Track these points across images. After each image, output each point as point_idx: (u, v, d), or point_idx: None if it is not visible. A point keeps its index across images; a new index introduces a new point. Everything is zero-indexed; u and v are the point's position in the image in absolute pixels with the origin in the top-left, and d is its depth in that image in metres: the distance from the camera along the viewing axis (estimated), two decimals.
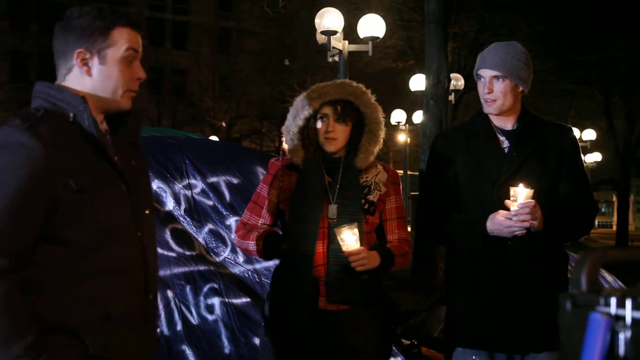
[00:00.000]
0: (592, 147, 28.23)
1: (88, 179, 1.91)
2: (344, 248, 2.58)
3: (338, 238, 2.59)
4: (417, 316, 6.66)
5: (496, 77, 2.77)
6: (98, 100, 2.00)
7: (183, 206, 4.76)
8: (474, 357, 2.77)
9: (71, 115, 1.92)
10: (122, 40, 2.01)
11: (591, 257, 0.96)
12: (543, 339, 2.70)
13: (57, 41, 2.02)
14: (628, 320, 0.87)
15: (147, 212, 2.16)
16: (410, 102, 21.14)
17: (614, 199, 27.65)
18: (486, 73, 2.79)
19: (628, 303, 0.87)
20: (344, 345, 2.70)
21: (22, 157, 1.80)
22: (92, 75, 1.99)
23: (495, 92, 2.77)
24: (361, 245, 2.62)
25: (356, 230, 2.58)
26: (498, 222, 2.65)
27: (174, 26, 46.91)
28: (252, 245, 2.82)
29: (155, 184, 4.76)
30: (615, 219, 27.08)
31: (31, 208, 1.82)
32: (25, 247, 1.82)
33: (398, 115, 22.75)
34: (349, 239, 2.57)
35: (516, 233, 2.63)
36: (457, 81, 16.69)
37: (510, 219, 2.60)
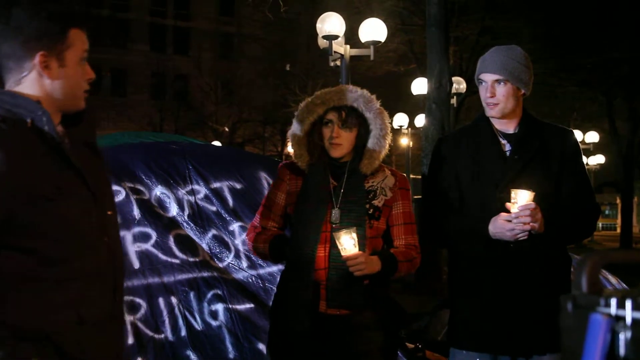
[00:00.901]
0: (595, 149, 28.07)
1: (50, 188, 1.88)
2: (342, 252, 2.59)
3: (337, 242, 2.60)
4: (421, 319, 6.66)
5: (498, 80, 2.78)
6: (56, 103, 1.98)
7: (187, 212, 4.77)
8: None
9: (29, 121, 1.87)
10: (78, 42, 2.02)
11: (591, 259, 0.98)
12: (546, 340, 2.70)
13: (4, 45, 1.94)
14: (628, 320, 0.88)
15: (109, 212, 2.15)
16: (412, 105, 21.14)
17: (618, 201, 27.57)
18: (488, 77, 2.80)
19: (628, 304, 0.88)
20: (346, 350, 2.70)
21: None
22: (52, 78, 1.96)
23: (497, 95, 2.78)
24: (362, 249, 2.63)
25: (354, 235, 2.59)
26: (500, 225, 2.65)
27: (175, 32, 46.95)
28: (261, 247, 2.85)
29: (159, 190, 4.77)
30: (619, 221, 26.96)
31: None
32: None
33: (400, 119, 22.76)
34: (347, 243, 2.58)
35: (518, 236, 2.64)
36: (459, 85, 16.70)
37: (511, 221, 2.61)
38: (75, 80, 2.02)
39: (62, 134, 2.01)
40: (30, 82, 1.96)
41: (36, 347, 1.85)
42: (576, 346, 0.90)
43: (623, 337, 0.88)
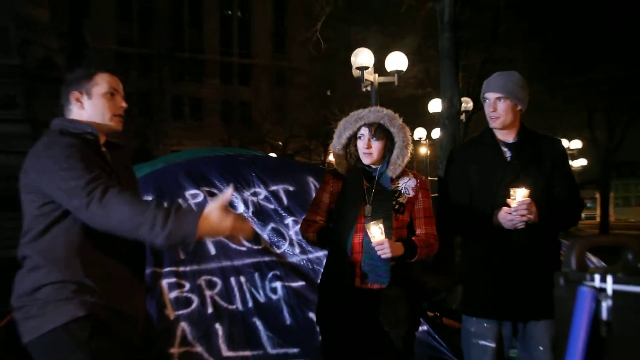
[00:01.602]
0: (578, 154, 28.61)
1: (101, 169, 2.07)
2: (372, 239, 2.61)
3: (367, 231, 2.63)
4: (439, 293, 6.62)
5: (499, 98, 2.76)
6: (95, 125, 2.19)
7: (251, 209, 4.82)
8: (485, 324, 2.75)
9: (82, 134, 2.14)
10: (103, 82, 2.22)
11: (579, 243, 0.97)
12: (541, 309, 2.67)
13: (62, 95, 2.26)
14: (609, 292, 0.88)
15: None
16: (429, 121, 21.02)
17: (597, 196, 27.36)
18: (491, 95, 2.79)
19: (609, 278, 0.88)
20: (377, 317, 2.71)
21: (69, 143, 2.03)
22: (84, 108, 2.21)
23: (499, 110, 2.76)
24: (389, 237, 2.64)
25: (381, 226, 2.61)
26: (502, 217, 2.64)
27: (239, 67, 47.42)
28: (311, 236, 2.88)
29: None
30: (598, 212, 26.76)
31: (92, 158, 2.05)
32: (103, 175, 2.01)
33: (420, 133, 22.79)
34: (376, 232, 2.60)
35: (517, 226, 2.62)
36: (467, 104, 16.55)
37: (511, 213, 2.60)
38: (102, 109, 2.21)
39: (104, 151, 2.22)
40: (74, 113, 2.23)
41: (82, 288, 1.98)
42: (567, 313, 0.90)
43: (605, 305, 0.88)
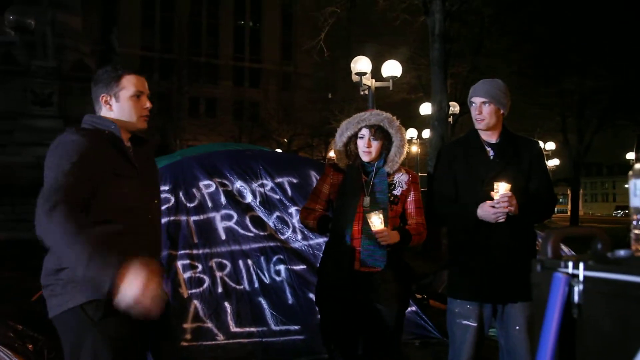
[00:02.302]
0: (552, 154, 29.23)
1: (117, 168, 2.04)
2: (372, 228, 2.61)
3: (369, 221, 2.62)
4: (426, 277, 6.63)
5: (484, 102, 2.75)
6: (122, 123, 2.15)
7: (258, 199, 4.81)
8: (468, 306, 2.74)
9: (106, 131, 2.08)
10: (129, 84, 2.15)
11: (554, 233, 0.97)
12: (518, 293, 2.66)
13: (92, 93, 2.20)
14: (581, 277, 0.87)
15: (156, 201, 2.26)
16: (420, 122, 21.07)
17: (568, 192, 27.59)
18: (477, 100, 2.77)
19: (581, 265, 0.87)
20: (373, 297, 2.71)
21: (75, 146, 1.94)
22: (113, 110, 2.15)
23: (484, 113, 2.75)
24: (386, 226, 2.64)
25: (382, 215, 2.61)
26: (486, 210, 2.63)
27: (250, 71, 47.43)
28: (311, 223, 2.87)
29: (239, 184, 4.82)
30: (569, 207, 27.02)
31: (82, 174, 1.92)
32: (81, 199, 1.90)
33: (411, 133, 22.87)
34: (376, 221, 2.60)
35: (499, 219, 2.61)
36: (454, 107, 16.64)
37: (494, 206, 2.59)
38: (129, 111, 2.16)
39: (129, 147, 2.17)
40: (103, 112, 2.18)
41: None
42: (543, 296, 0.90)
43: (577, 289, 0.88)
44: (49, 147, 2.00)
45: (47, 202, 1.81)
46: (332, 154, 3.25)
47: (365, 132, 2.80)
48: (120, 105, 2.15)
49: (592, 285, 0.86)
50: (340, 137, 2.86)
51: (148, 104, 2.21)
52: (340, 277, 2.69)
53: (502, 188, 2.57)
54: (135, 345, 2.06)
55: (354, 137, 2.85)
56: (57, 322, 1.95)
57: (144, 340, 2.14)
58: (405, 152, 2.85)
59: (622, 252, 0.90)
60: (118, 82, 2.14)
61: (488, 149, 2.81)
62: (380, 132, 2.80)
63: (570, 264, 0.89)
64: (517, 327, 2.69)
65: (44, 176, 1.92)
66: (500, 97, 2.76)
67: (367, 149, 2.78)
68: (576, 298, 0.87)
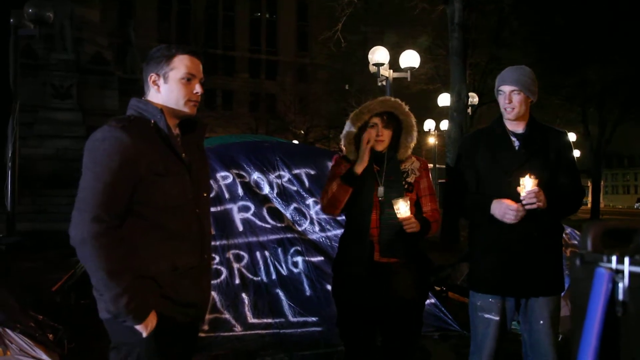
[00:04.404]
0: (572, 146, 28.08)
1: (162, 167, 1.89)
2: (399, 215, 2.55)
3: (395, 207, 2.56)
4: (445, 270, 6.56)
5: (514, 90, 2.66)
6: (169, 109, 1.99)
7: (275, 191, 4.79)
8: (490, 300, 2.68)
9: (152, 121, 1.93)
10: (181, 65, 1.98)
11: (595, 225, 0.91)
12: (542, 287, 2.61)
13: (144, 71, 2.04)
14: (626, 273, 0.81)
15: (205, 194, 2.11)
16: (438, 114, 20.88)
17: (589, 184, 27.19)
18: (506, 88, 2.68)
19: (626, 260, 0.81)
20: (392, 288, 2.65)
21: (117, 146, 1.81)
22: (161, 92, 1.99)
23: (514, 102, 2.66)
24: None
25: (408, 202, 2.57)
26: (504, 207, 2.53)
27: (267, 64, 47.45)
28: (333, 188, 2.70)
29: (256, 175, 4.80)
30: (590, 199, 26.66)
31: (124, 183, 1.82)
32: (121, 211, 1.83)
33: (429, 124, 22.67)
34: (404, 208, 2.55)
35: (510, 221, 2.52)
36: (473, 98, 16.44)
37: (521, 201, 2.49)
38: (177, 94, 1.99)
39: (176, 134, 2.03)
40: (151, 95, 2.02)
41: (146, 284, 1.87)
42: (584, 293, 0.84)
43: (622, 286, 0.82)
44: (89, 138, 1.88)
45: (87, 212, 1.76)
46: (342, 146, 3.12)
47: (376, 120, 2.72)
48: (168, 87, 1.98)
49: (639, 281, 0.80)
50: (350, 128, 2.78)
51: (199, 89, 2.02)
52: (361, 268, 2.64)
53: (528, 184, 2.48)
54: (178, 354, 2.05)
55: (363, 128, 2.76)
56: (105, 323, 1.94)
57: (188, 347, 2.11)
58: (415, 138, 2.78)
59: None
60: (169, 61, 1.97)
61: (513, 139, 2.72)
62: (390, 119, 2.73)
63: (614, 258, 0.83)
64: (542, 322, 2.63)
65: (81, 170, 1.84)
66: (530, 84, 2.67)
67: (379, 137, 2.71)
68: (621, 295, 0.81)
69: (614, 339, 0.81)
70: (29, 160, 13.29)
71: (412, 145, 2.78)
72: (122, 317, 1.80)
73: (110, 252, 1.77)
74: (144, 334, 1.83)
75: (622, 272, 0.82)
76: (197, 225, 2.03)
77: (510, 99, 2.66)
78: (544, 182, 2.56)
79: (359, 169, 2.64)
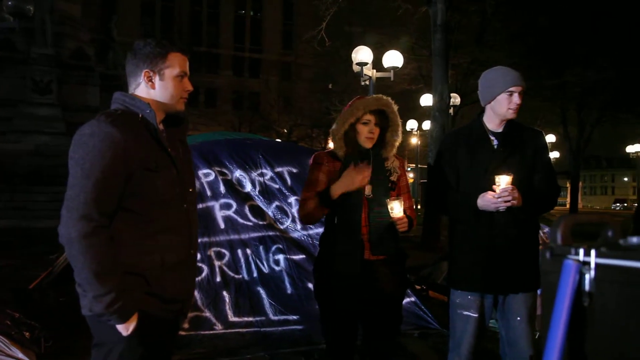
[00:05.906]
0: (552, 147, 29.23)
1: (152, 162, 1.89)
2: (393, 214, 2.58)
3: (389, 207, 2.59)
4: (425, 269, 6.61)
5: (521, 90, 2.70)
6: (158, 105, 1.99)
7: (257, 188, 4.78)
8: (469, 297, 2.72)
9: (140, 115, 1.93)
10: (175, 63, 2.00)
11: (565, 220, 0.93)
12: (519, 284, 2.65)
13: (128, 65, 2.02)
14: (592, 265, 0.84)
15: (190, 190, 2.12)
16: (420, 114, 21.01)
17: (568, 185, 27.70)
18: (517, 89, 2.69)
19: (593, 252, 0.84)
20: (379, 285, 2.66)
21: (107, 142, 1.79)
22: (155, 88, 1.99)
23: (519, 102, 2.71)
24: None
25: (402, 202, 2.61)
26: (487, 200, 2.59)
27: (250, 62, 47.31)
28: (311, 205, 2.71)
29: (238, 172, 4.79)
30: (568, 199, 27.19)
31: (115, 180, 1.81)
32: (112, 209, 1.82)
33: (411, 124, 22.79)
34: (397, 208, 2.58)
35: (499, 209, 2.58)
36: (455, 99, 16.60)
37: (496, 199, 2.56)
38: (172, 91, 2.01)
39: (161, 130, 2.02)
40: (141, 90, 2.01)
41: (133, 281, 1.86)
42: (552, 284, 0.86)
43: (588, 277, 0.85)
44: (77, 132, 1.85)
45: (76, 210, 1.75)
46: (331, 144, 3.12)
47: (370, 117, 2.72)
48: (164, 84, 1.98)
49: (604, 273, 0.83)
50: (342, 125, 2.77)
51: (189, 87, 2.07)
52: (353, 267, 2.64)
53: (503, 181, 2.53)
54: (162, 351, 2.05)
55: (353, 125, 2.77)
56: (88, 320, 1.92)
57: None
58: (400, 136, 2.80)
59: (635, 240, 0.87)
60: (164, 58, 1.98)
61: (492, 137, 2.76)
62: (381, 117, 2.75)
63: (582, 251, 0.85)
64: (519, 318, 2.67)
65: (68, 166, 1.81)
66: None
67: (371, 134, 2.72)
68: (587, 286, 0.84)
69: (580, 328, 0.84)
70: (7, 155, 13.11)
71: (398, 143, 2.80)
72: (105, 316, 1.80)
73: (98, 252, 1.76)
74: (125, 334, 1.83)
75: (588, 264, 0.85)
76: (185, 220, 2.03)
77: (520, 100, 2.69)
78: (522, 180, 2.61)
79: (337, 192, 2.63)
